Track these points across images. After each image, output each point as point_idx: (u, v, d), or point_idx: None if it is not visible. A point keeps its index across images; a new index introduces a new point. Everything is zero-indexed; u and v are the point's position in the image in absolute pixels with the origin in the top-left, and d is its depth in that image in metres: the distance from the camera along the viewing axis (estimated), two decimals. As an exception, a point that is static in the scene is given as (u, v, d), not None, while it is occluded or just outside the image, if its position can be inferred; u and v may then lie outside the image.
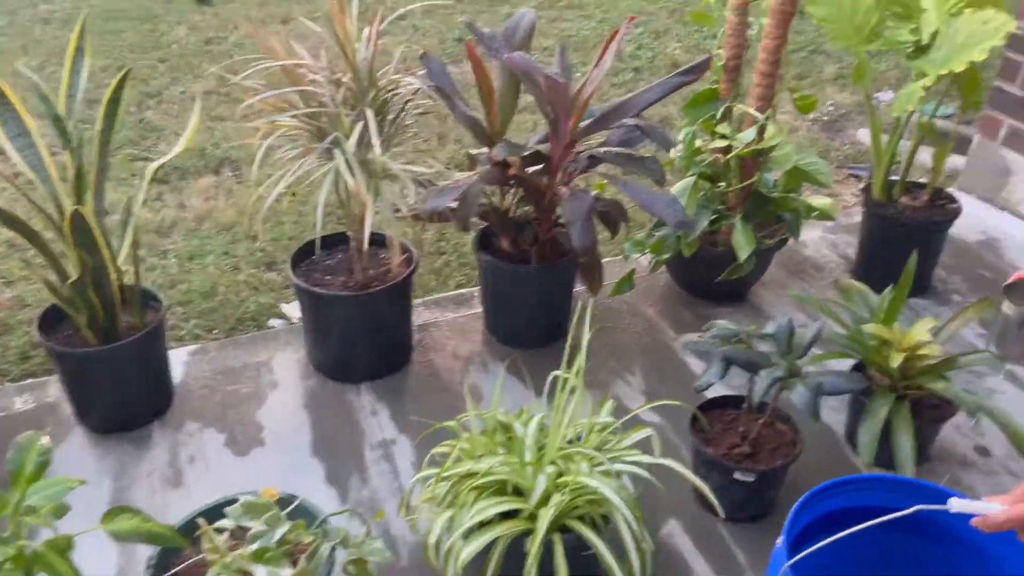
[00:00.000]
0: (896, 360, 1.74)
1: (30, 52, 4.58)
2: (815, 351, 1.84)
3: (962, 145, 3.26)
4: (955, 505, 1.05)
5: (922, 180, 2.70)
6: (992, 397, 2.13)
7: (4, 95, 1.75)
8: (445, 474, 1.52)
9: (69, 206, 1.74)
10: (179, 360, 2.26)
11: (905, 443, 1.68)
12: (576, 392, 1.57)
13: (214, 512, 1.53)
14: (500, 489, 1.50)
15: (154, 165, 1.90)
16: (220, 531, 1.47)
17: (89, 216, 1.74)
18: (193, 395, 2.15)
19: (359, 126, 1.84)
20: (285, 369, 2.24)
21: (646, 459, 1.55)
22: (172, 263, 2.85)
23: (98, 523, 1.32)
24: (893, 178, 2.57)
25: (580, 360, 1.59)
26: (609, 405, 1.68)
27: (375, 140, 1.80)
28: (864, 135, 3.93)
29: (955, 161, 3.32)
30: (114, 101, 1.79)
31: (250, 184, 3.29)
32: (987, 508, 1.05)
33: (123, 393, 2.00)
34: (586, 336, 1.67)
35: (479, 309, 2.45)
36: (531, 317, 2.27)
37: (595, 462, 1.51)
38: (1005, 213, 3.04)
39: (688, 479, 1.55)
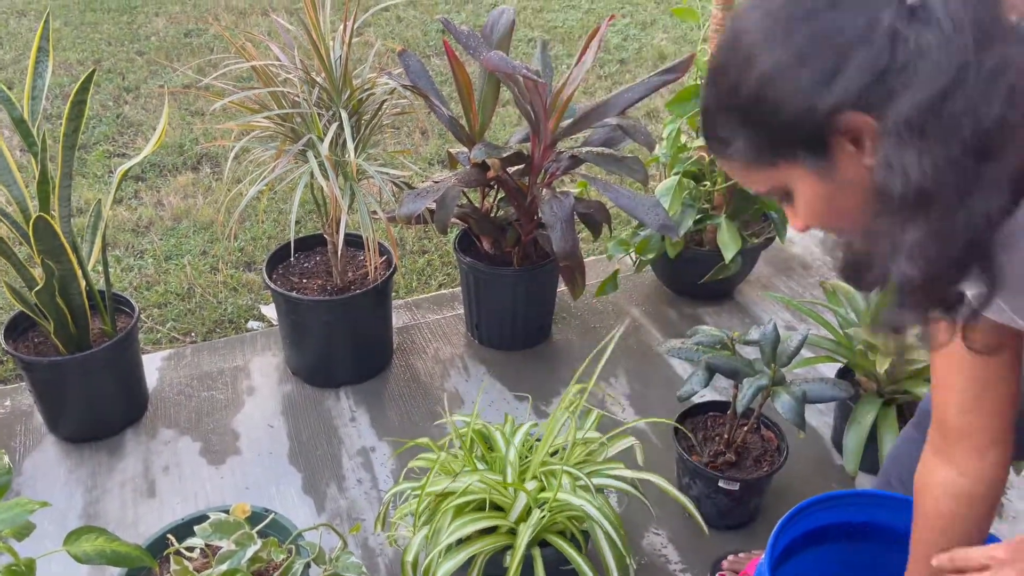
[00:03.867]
0: (883, 365, 1.71)
1: (5, 46, 4.48)
2: (802, 354, 1.81)
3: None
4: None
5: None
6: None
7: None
8: (422, 492, 1.48)
9: (34, 211, 1.69)
10: (154, 365, 2.21)
11: (892, 450, 1.65)
12: (569, 407, 1.54)
13: (184, 529, 1.49)
14: (479, 505, 1.47)
15: (122, 168, 1.85)
16: (190, 549, 1.43)
17: (53, 222, 1.68)
18: (168, 402, 2.10)
19: (333, 127, 1.79)
20: (262, 374, 2.20)
21: (628, 473, 1.52)
22: (149, 264, 2.79)
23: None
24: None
25: (574, 383, 1.55)
26: (594, 416, 1.65)
27: (349, 142, 1.75)
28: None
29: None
30: (79, 103, 1.73)
31: (229, 182, 3.23)
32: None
33: (95, 401, 1.95)
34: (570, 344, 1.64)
35: (461, 310, 2.40)
36: (513, 319, 2.23)
37: (577, 478, 1.48)
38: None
39: (671, 494, 1.51)
